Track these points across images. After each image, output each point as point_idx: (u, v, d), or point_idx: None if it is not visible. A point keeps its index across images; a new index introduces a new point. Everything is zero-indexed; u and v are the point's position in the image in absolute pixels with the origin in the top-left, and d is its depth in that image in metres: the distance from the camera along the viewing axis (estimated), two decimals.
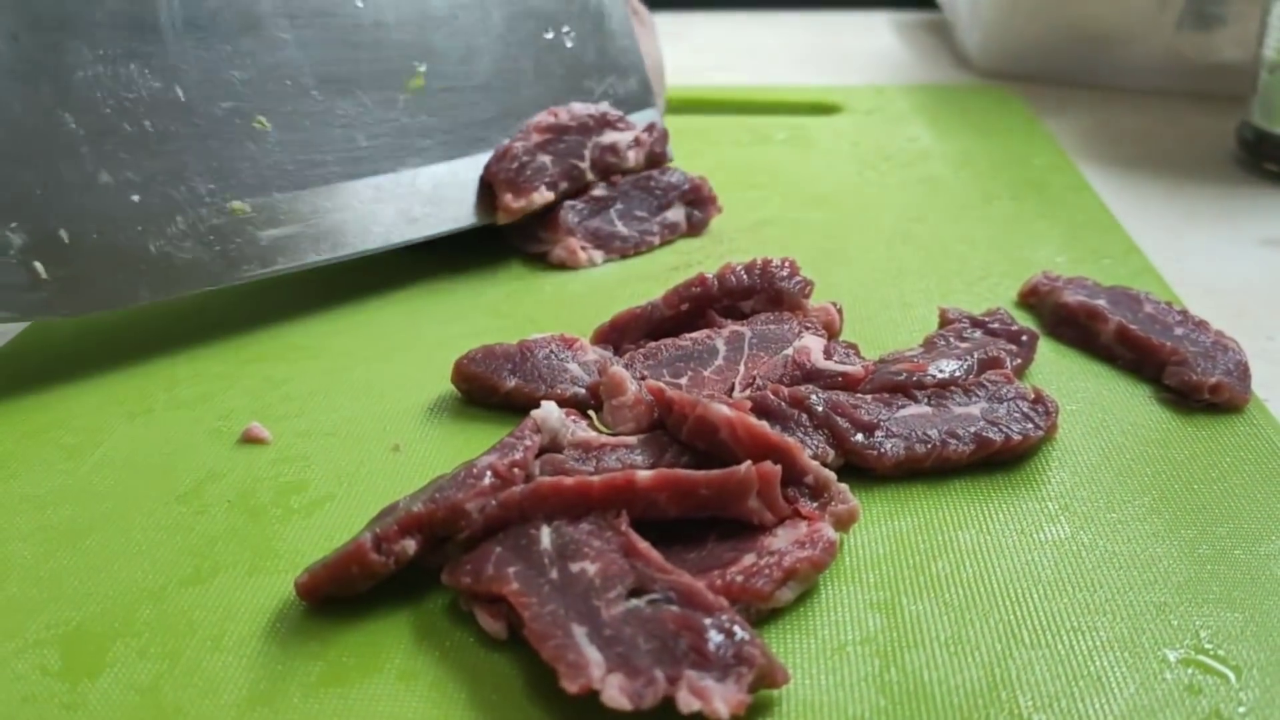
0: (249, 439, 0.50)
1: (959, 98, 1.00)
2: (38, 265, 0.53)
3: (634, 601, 0.37)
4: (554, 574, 0.39)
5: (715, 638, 0.35)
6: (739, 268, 0.55)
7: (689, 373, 0.51)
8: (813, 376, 0.49)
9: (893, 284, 0.64)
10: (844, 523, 0.43)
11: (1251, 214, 0.78)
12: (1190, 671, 0.38)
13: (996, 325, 0.54)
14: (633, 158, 0.71)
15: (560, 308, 0.63)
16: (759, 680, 0.35)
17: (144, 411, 0.53)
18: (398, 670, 0.38)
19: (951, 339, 0.53)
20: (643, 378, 0.50)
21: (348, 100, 0.63)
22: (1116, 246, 0.69)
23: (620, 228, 0.69)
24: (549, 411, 0.45)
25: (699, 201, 0.72)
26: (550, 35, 0.71)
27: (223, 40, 0.59)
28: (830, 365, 0.50)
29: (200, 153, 0.58)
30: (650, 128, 0.73)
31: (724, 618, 0.36)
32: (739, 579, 0.39)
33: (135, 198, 0.55)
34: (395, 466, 0.49)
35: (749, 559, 0.40)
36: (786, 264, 0.56)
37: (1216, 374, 0.52)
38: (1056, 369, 0.55)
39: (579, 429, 0.46)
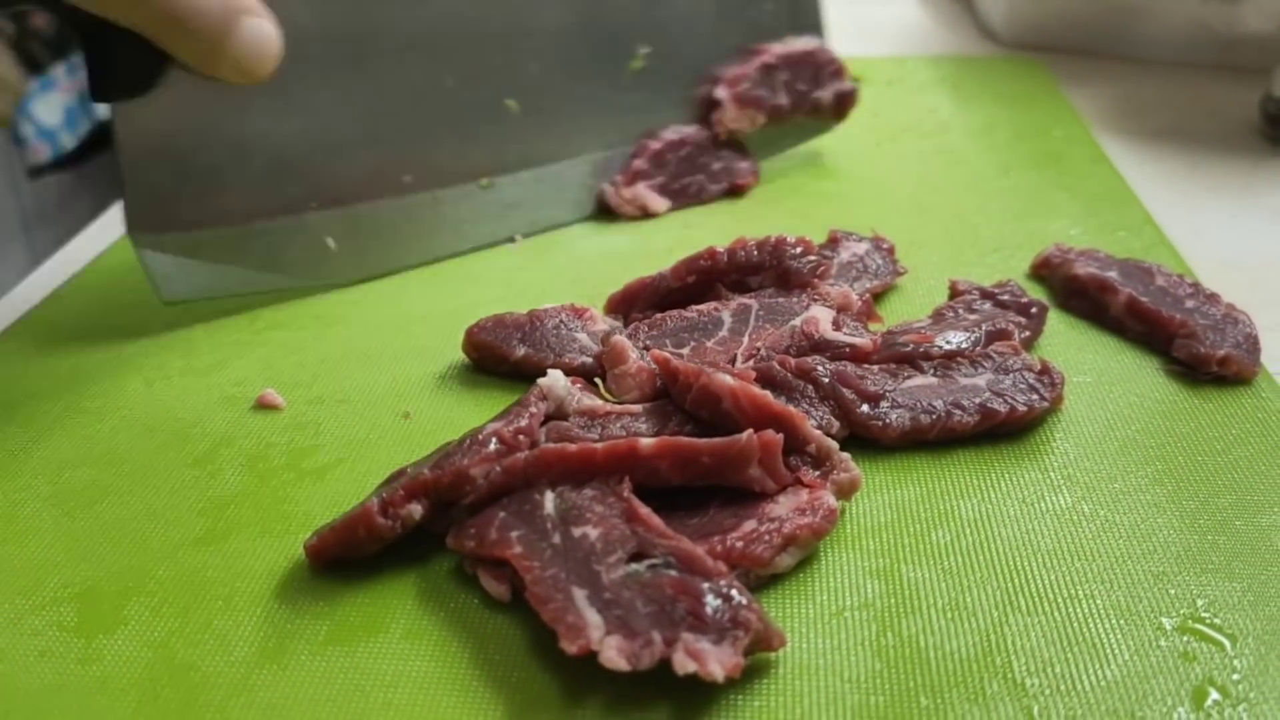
0: (263, 405, 0.51)
1: (982, 69, 0.99)
2: (329, 241, 0.61)
3: (634, 566, 0.38)
4: (556, 538, 0.39)
5: (712, 602, 0.36)
6: (751, 243, 0.55)
7: (692, 343, 0.51)
8: (820, 347, 0.49)
9: (904, 255, 0.64)
10: (846, 491, 0.43)
11: (1273, 187, 0.77)
12: (1185, 639, 0.38)
13: (1007, 297, 0.54)
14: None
15: (573, 276, 0.64)
16: (754, 644, 0.36)
17: (161, 378, 0.54)
18: (403, 630, 0.39)
19: (960, 310, 0.53)
20: (646, 347, 0.51)
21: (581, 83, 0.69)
22: (1132, 219, 0.69)
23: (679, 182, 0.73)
24: (555, 379, 0.46)
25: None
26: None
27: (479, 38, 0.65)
28: (839, 336, 0.50)
29: (459, 137, 0.65)
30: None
31: (721, 583, 0.37)
32: (739, 545, 0.40)
33: (407, 179, 0.64)
34: (406, 433, 0.50)
35: (750, 525, 0.41)
36: (800, 242, 0.55)
37: (1225, 346, 0.52)
38: (1066, 341, 0.55)
39: (585, 397, 0.47)
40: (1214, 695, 0.36)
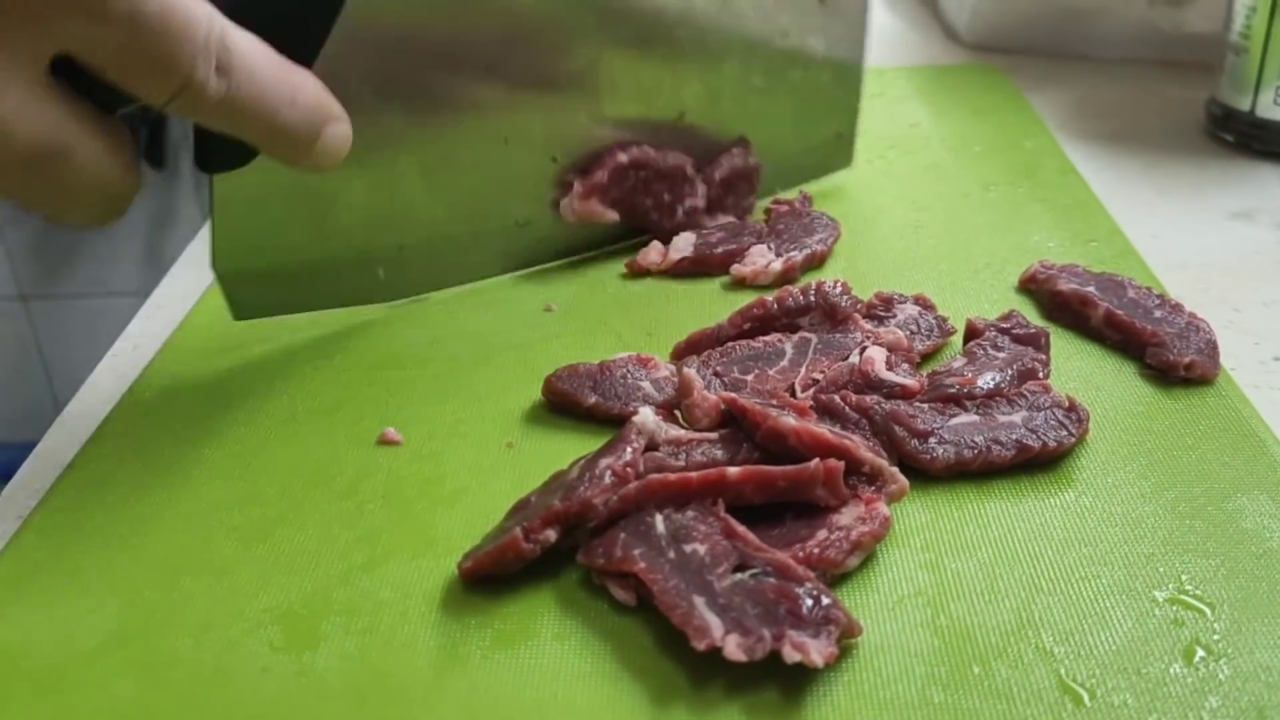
0: (384, 441, 0.60)
1: (951, 79, 1.08)
2: (380, 271, 0.71)
3: (739, 575, 0.47)
4: (671, 554, 0.48)
5: (807, 603, 0.45)
6: (796, 291, 0.65)
7: (755, 370, 0.60)
8: (875, 386, 0.58)
9: (909, 275, 0.73)
10: (895, 497, 0.53)
11: (1220, 187, 0.87)
12: (1175, 609, 0.48)
13: (1018, 330, 0.63)
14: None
15: (626, 307, 0.72)
16: (843, 635, 0.45)
17: (290, 420, 0.62)
18: (552, 634, 0.48)
19: (989, 349, 0.62)
20: (716, 374, 0.60)
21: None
22: (1101, 229, 0.79)
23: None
24: (646, 417, 0.55)
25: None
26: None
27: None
28: (891, 377, 0.59)
29: (507, 189, 0.73)
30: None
31: (812, 587, 0.46)
32: (816, 551, 0.49)
33: (449, 214, 0.72)
34: (513, 461, 0.58)
35: (822, 534, 0.50)
36: (839, 284, 0.65)
37: (1190, 354, 0.62)
38: (1055, 350, 0.64)
39: (670, 428, 0.56)
40: (1200, 653, 0.45)
